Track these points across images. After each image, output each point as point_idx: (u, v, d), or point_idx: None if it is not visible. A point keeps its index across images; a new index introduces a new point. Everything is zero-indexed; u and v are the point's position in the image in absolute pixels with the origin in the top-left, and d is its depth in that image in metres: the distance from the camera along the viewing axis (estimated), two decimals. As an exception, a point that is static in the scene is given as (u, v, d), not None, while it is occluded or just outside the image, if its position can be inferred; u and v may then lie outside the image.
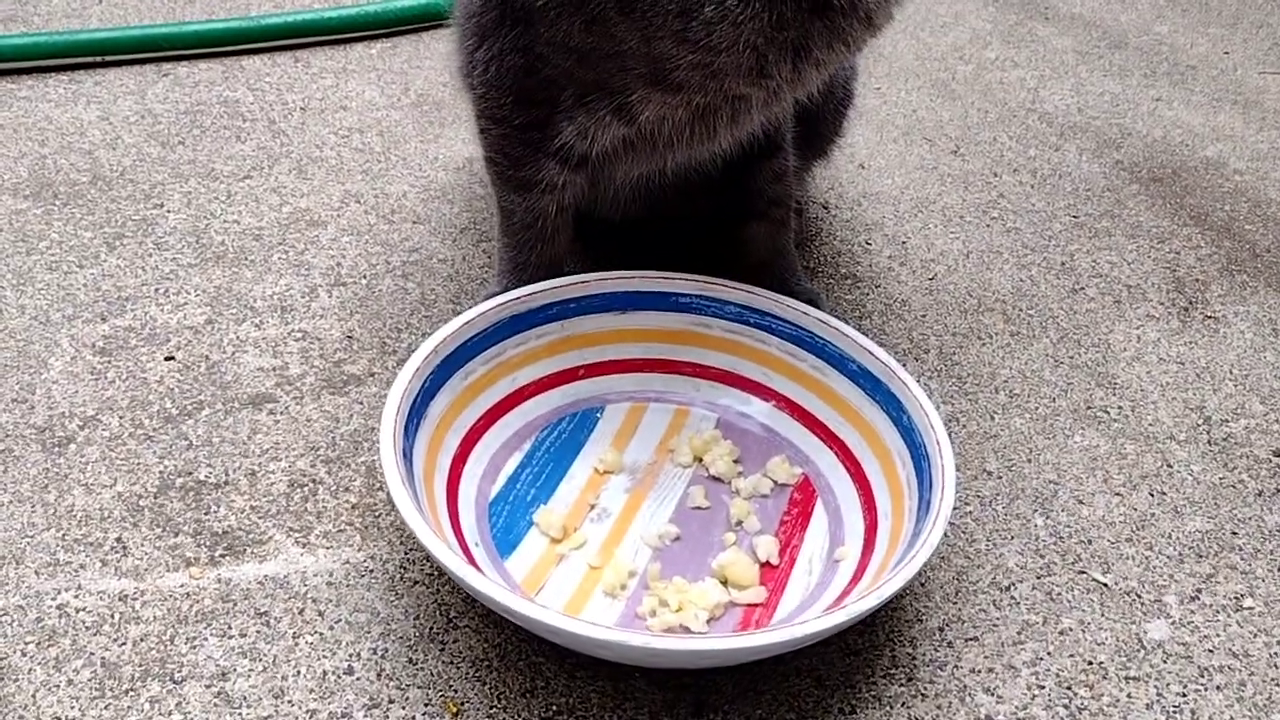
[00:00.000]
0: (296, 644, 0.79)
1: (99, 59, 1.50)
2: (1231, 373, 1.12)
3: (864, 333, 1.04)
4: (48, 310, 1.08)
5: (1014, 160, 1.48)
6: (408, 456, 0.82)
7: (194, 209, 1.24)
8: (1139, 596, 0.88)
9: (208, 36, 1.53)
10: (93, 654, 0.77)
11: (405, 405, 0.84)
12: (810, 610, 0.81)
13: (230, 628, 0.80)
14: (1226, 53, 1.84)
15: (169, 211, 1.23)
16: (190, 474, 0.92)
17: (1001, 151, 1.50)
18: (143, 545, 0.85)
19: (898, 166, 1.44)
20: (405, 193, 1.30)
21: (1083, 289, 1.24)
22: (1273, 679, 0.82)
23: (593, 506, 0.90)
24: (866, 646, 0.82)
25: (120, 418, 0.97)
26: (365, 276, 1.16)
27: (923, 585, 0.87)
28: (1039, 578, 0.89)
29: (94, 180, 1.28)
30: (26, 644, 0.77)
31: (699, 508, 0.91)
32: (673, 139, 0.94)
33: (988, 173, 1.44)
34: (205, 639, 0.79)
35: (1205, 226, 1.36)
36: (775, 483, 0.93)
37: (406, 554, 0.86)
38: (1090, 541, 0.93)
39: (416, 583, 0.84)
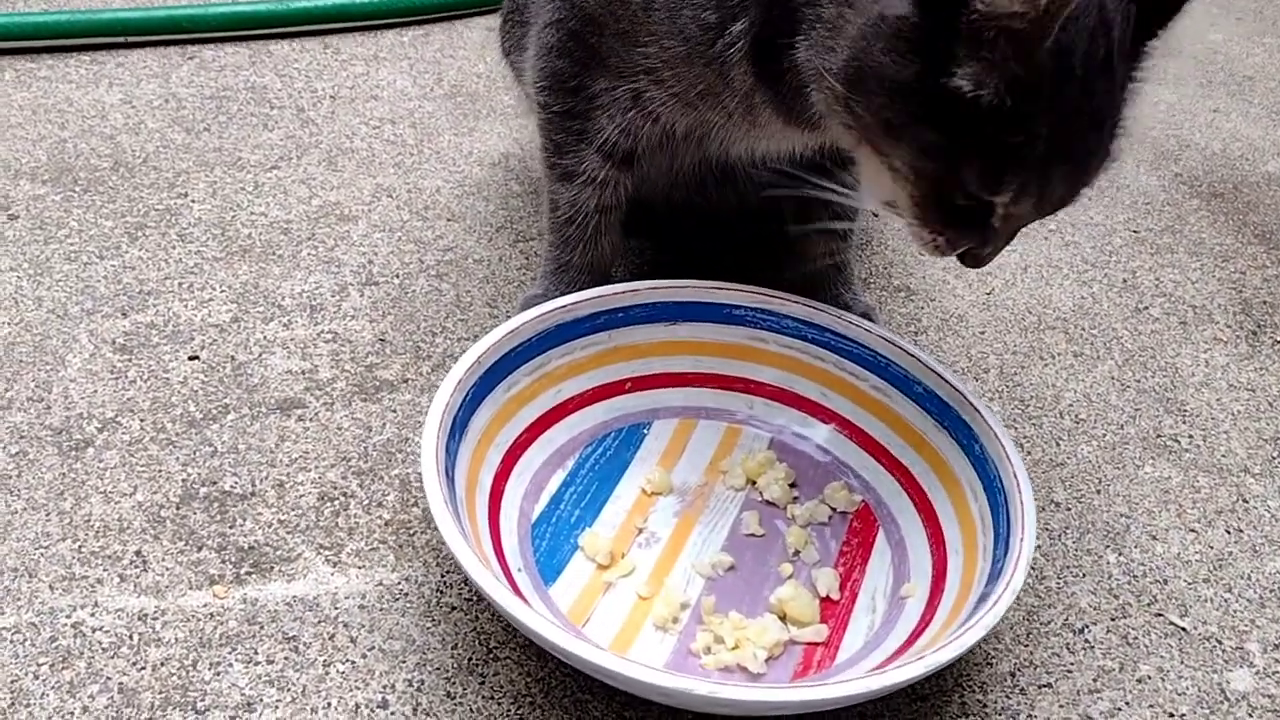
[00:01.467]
0: (327, 673, 0.74)
1: (122, 39, 1.45)
2: (1306, 402, 1.07)
3: (921, 350, 0.98)
4: (66, 303, 1.02)
5: (1070, 170, 1.42)
6: (449, 474, 0.77)
7: (219, 199, 1.19)
8: (1219, 643, 0.83)
9: (234, 19, 1.48)
10: (109, 678, 0.72)
11: (448, 419, 0.79)
12: (876, 653, 0.76)
13: (256, 653, 0.75)
14: (1284, 64, 1.79)
15: (193, 201, 1.18)
16: (215, 483, 0.86)
17: (1057, 161, 1.44)
18: (164, 560, 0.80)
19: (950, 174, 1.39)
20: (439, 188, 1.25)
21: (1146, 308, 1.18)
22: (1369, 739, 0.77)
23: (640, 530, 0.85)
24: (934, 692, 0.76)
25: (141, 420, 0.91)
26: (398, 275, 1.10)
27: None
28: (1114, 619, 0.84)
29: (115, 166, 1.23)
30: (40, 665, 0.72)
31: (753, 535, 0.85)
32: (700, 140, 0.92)
33: (1043, 183, 1.39)
34: (230, 665, 0.74)
35: (1270, 245, 1.30)
36: (834, 510, 0.88)
37: (443, 576, 0.81)
38: (1166, 581, 0.87)
39: (454, 608, 0.79)
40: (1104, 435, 1.01)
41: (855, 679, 0.65)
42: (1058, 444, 0.99)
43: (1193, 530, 0.92)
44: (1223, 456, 1.00)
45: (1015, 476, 0.79)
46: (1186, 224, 1.33)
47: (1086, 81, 0.68)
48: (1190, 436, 1.02)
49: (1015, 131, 0.67)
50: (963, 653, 0.68)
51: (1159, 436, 1.01)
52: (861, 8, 0.70)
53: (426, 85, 1.46)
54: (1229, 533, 0.92)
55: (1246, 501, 0.95)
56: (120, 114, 1.33)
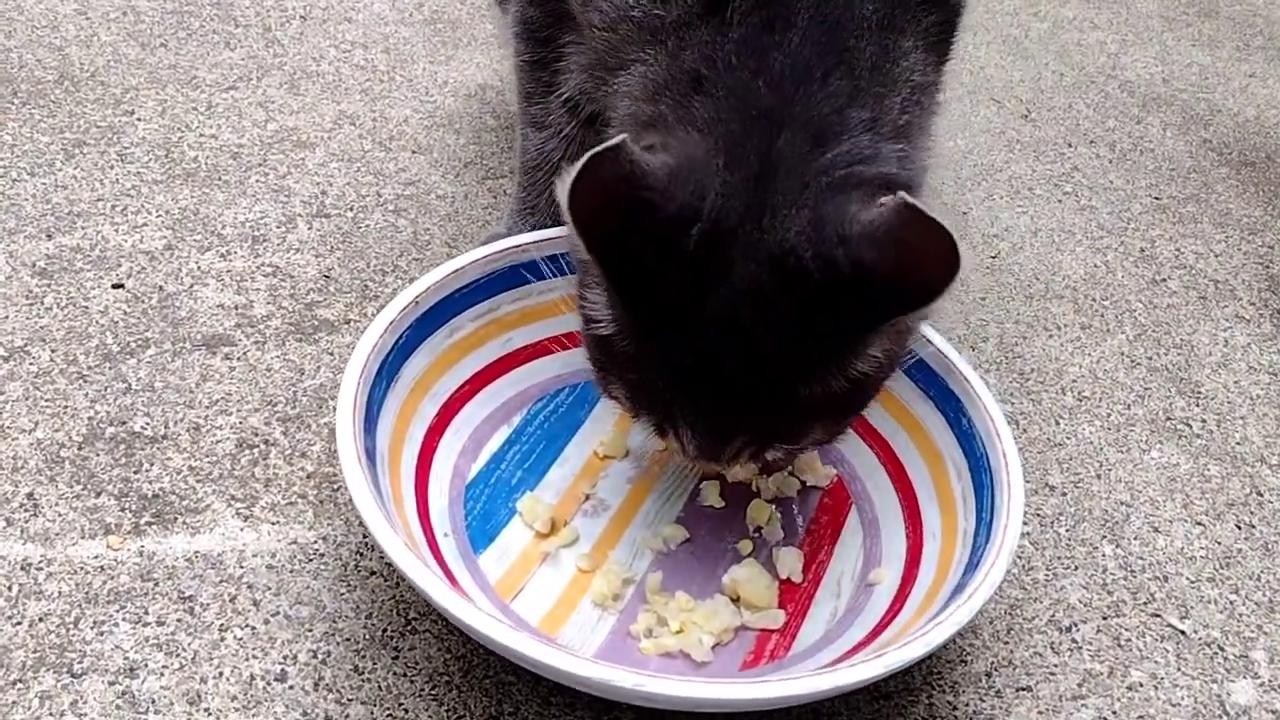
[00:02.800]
0: (222, 639, 0.66)
1: (84, -53, 1.36)
2: (1332, 389, 0.98)
3: (917, 314, 0.90)
4: (-14, 221, 0.94)
5: (1090, 130, 1.32)
6: (372, 424, 0.69)
7: (168, 119, 1.10)
8: (1221, 649, 0.75)
9: (206, -69, 1.38)
10: (-20, 633, 0.65)
11: (373, 364, 0.70)
12: (836, 644, 0.68)
13: (147, 612, 0.67)
14: (1327, 29, 1.68)
15: (139, 120, 1.09)
16: (124, 423, 0.79)
17: (1077, 120, 1.34)
18: (57, 505, 0.72)
19: (961, 128, 1.29)
20: (407, 118, 1.16)
21: (1164, 280, 1.09)
22: (1384, 767, 0.69)
23: (588, 497, 0.77)
24: (899, 690, 0.69)
25: (52, 351, 0.83)
26: (352, 209, 1.02)
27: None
28: (1105, 618, 0.76)
29: (60, 79, 1.14)
30: (-98, 616, 0.65)
31: (712, 507, 0.77)
32: None
33: (1061, 142, 1.29)
34: (116, 624, 0.66)
35: (1302, 220, 1.21)
36: (803, 483, 0.79)
37: (365, 538, 0.73)
38: (1166, 579, 0.79)
39: (373, 573, 0.71)
40: (1108, 415, 0.92)
41: (801, 677, 0.57)
42: (1057, 422, 0.91)
43: (1199, 523, 0.84)
44: (1237, 444, 0.91)
45: (1004, 456, 0.70)
46: (1213, 193, 1.24)
47: (707, 347, 0.59)
48: (1203, 421, 0.93)
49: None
50: (928, 652, 0.59)
51: (1169, 419, 0.93)
52: None
53: (405, 9, 1.37)
54: (1239, 528, 0.84)
55: (1261, 494, 0.87)
56: (73, 24, 1.24)
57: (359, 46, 1.27)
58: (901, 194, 0.55)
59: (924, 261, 0.53)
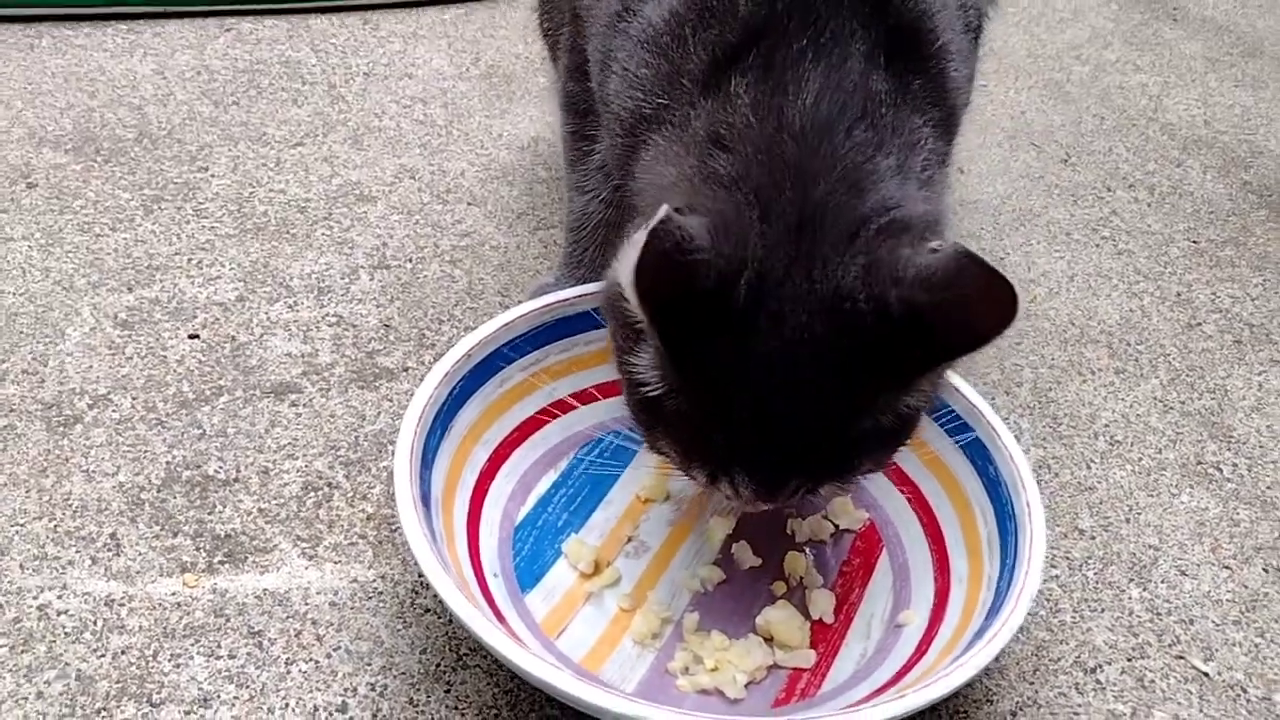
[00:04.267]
0: (289, 671, 0.71)
1: (161, 9, 1.44)
2: (1366, 434, 0.99)
3: (949, 361, 0.93)
4: (73, 275, 1.01)
5: (1130, 174, 1.35)
6: (428, 470, 0.74)
7: (239, 174, 1.17)
8: (1244, 691, 0.77)
9: (275, -8, 1.46)
10: (69, 664, 0.70)
11: (429, 414, 0.75)
12: (865, 683, 0.71)
13: (219, 646, 0.72)
14: (1373, 68, 1.68)
15: (213, 176, 1.16)
16: (199, 467, 0.84)
17: (1117, 163, 1.37)
18: (138, 544, 0.78)
19: (1001, 173, 1.32)
20: (464, 170, 1.22)
21: (1200, 325, 1.11)
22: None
23: (630, 539, 0.81)
24: (926, 729, 0.72)
25: (133, 399, 0.90)
26: (411, 260, 1.08)
27: (996, 660, 0.76)
28: (1130, 660, 0.78)
29: (140, 137, 1.21)
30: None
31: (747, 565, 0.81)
32: None
33: (1100, 186, 1.31)
34: (191, 657, 0.72)
35: (1342, 262, 1.22)
36: (836, 527, 0.83)
37: (420, 576, 0.78)
38: (1192, 621, 0.81)
39: (428, 610, 0.76)
40: (1140, 459, 0.94)
41: (827, 716, 0.61)
42: (1089, 466, 0.93)
43: (1227, 567, 0.86)
44: (1268, 488, 0.93)
45: (1028, 504, 0.73)
46: (1252, 236, 1.25)
47: (761, 394, 0.61)
48: (1234, 465, 0.95)
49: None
50: (949, 692, 0.63)
51: (1200, 463, 0.95)
52: None
53: (463, 65, 1.43)
54: (1266, 571, 0.86)
55: (1290, 539, 0.89)
56: (151, 84, 1.31)
57: (419, 102, 1.34)
58: (956, 242, 0.58)
59: (981, 308, 0.57)
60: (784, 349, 0.60)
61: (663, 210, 0.56)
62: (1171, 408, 1.00)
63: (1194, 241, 1.23)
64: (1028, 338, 1.07)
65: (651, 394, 0.64)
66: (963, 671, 0.63)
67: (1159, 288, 1.15)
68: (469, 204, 1.17)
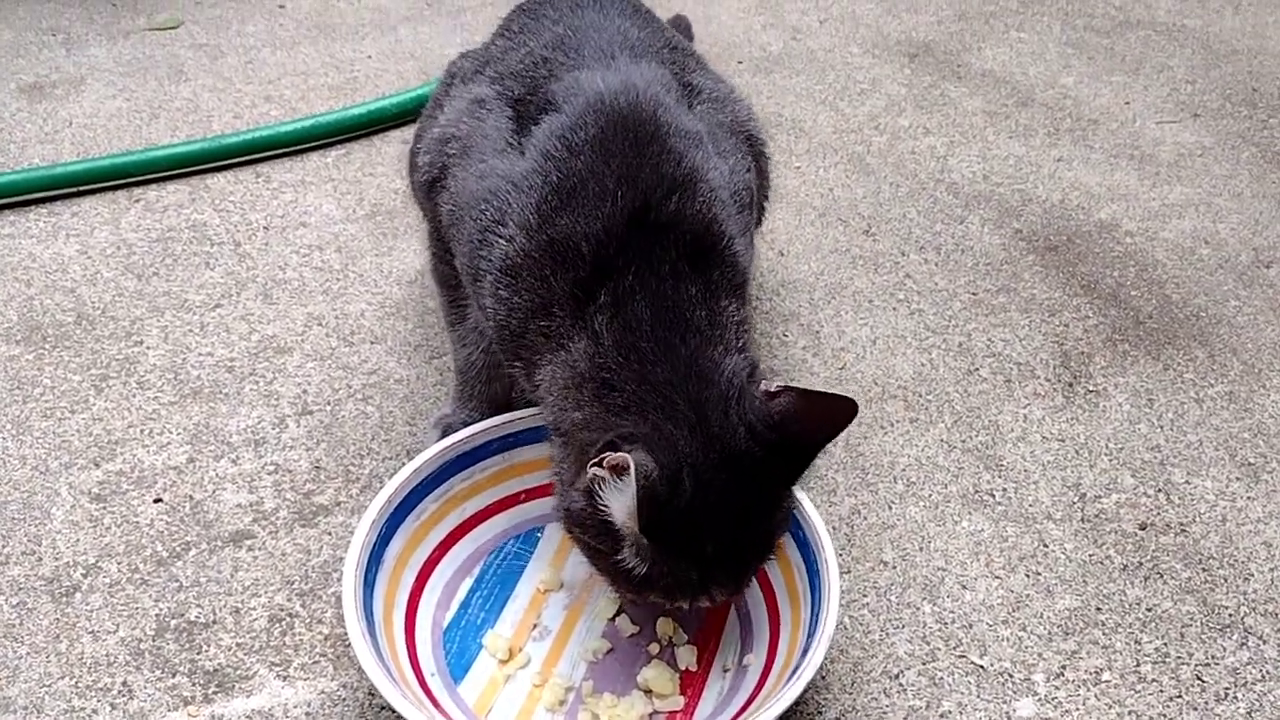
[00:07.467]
0: (283, 773, 0.93)
1: (74, 189, 1.62)
2: (1107, 447, 1.26)
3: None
4: (46, 459, 1.21)
5: (921, 237, 1.60)
6: (369, 595, 0.96)
7: (170, 343, 1.37)
8: (1010, 676, 1.02)
9: (174, 160, 1.65)
10: (109, 793, 0.91)
11: (364, 557, 0.97)
12: (724, 715, 0.95)
13: (225, 761, 0.94)
14: (1127, 102, 1.97)
15: (148, 348, 1.36)
16: (182, 615, 1.05)
17: (910, 229, 1.62)
18: (145, 688, 0.99)
19: (814, 251, 1.57)
20: (363, 311, 1.43)
21: (977, 369, 1.37)
22: (1117, 750, 0.97)
23: (535, 625, 1.04)
24: (771, 742, 0.96)
25: (118, 563, 1.10)
26: (329, 403, 1.29)
27: (823, 678, 1.01)
28: (924, 664, 1.03)
29: (78, 320, 1.40)
30: (52, 789, 0.91)
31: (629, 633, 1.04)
32: None
33: (896, 252, 1.57)
34: (204, 773, 0.93)
35: (1094, 295, 1.49)
36: (694, 591, 1.07)
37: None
38: (971, 625, 1.07)
39: (383, 709, 0.98)
40: (930, 495, 1.20)
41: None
42: (890, 507, 1.18)
43: (998, 577, 1.11)
44: (1030, 506, 1.19)
45: (826, 561, 0.98)
46: (1021, 281, 1.52)
47: (720, 531, 0.88)
48: (1004, 490, 1.21)
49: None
50: (782, 710, 0.86)
51: (977, 492, 1.20)
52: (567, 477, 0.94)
53: (349, 206, 1.64)
54: (1028, 576, 1.12)
55: (1046, 546, 1.15)
56: (79, 265, 1.50)
57: (315, 249, 1.54)
58: (786, 384, 0.89)
59: (825, 417, 0.87)
60: (721, 500, 0.87)
61: (634, 464, 0.81)
62: (954, 447, 1.26)
63: (973, 294, 1.50)
64: (841, 401, 1.31)
65: (641, 572, 0.88)
66: (785, 698, 0.87)
67: (944, 340, 1.41)
68: (371, 343, 1.38)
